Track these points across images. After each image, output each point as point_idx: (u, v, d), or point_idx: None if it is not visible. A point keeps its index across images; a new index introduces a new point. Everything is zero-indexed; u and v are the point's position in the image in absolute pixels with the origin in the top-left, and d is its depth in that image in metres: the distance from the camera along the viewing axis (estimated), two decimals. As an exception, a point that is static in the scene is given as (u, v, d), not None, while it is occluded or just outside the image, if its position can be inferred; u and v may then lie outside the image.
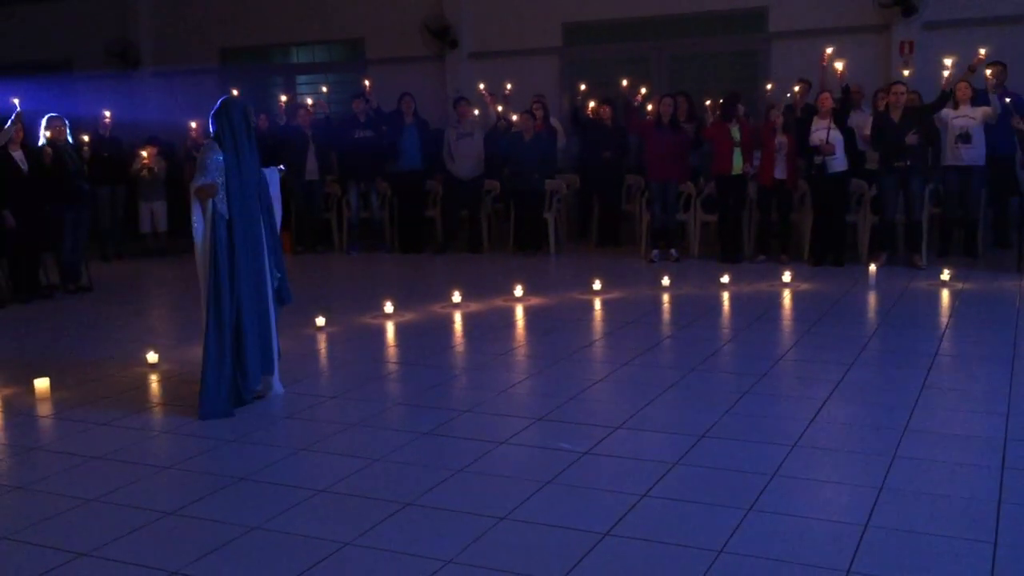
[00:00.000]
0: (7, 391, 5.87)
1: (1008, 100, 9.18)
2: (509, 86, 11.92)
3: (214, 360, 5.27)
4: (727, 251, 9.98)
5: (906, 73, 10.03)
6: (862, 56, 11.22)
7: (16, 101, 9.99)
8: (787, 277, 8.64)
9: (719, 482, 4.10)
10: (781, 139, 9.63)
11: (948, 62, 9.17)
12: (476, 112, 11.35)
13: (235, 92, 12.53)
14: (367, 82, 11.97)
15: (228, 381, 5.33)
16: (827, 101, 9.42)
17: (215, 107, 5.41)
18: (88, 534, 3.78)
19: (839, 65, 9.71)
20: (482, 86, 11.52)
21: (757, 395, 5.36)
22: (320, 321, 7.36)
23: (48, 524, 3.91)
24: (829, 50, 9.87)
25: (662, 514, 3.80)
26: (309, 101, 12.30)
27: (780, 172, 9.69)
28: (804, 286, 8.58)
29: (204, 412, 5.25)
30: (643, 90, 10.96)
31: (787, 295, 8.28)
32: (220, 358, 5.28)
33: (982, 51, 9.12)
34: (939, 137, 9.56)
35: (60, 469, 4.60)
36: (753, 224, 10.24)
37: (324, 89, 12.99)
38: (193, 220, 5.31)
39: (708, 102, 10.71)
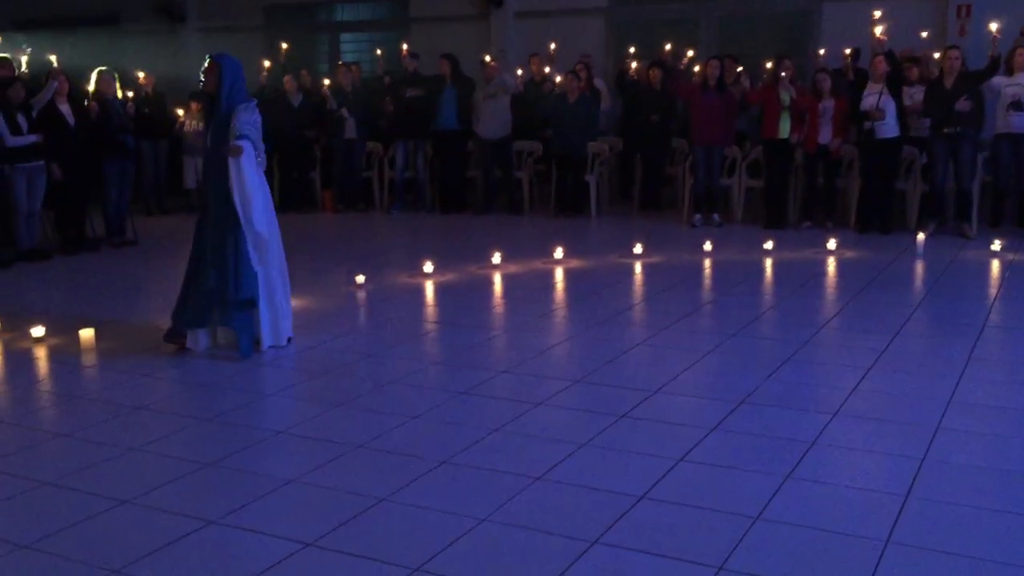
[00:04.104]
0: (53, 341, 5.98)
1: None
2: (553, 46, 11.77)
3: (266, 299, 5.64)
4: (771, 217, 9.84)
5: (961, 36, 9.75)
6: (917, 19, 10.90)
7: (53, 58, 10.08)
8: (832, 244, 8.50)
9: (757, 448, 4.06)
10: (827, 104, 9.43)
11: (994, 27, 8.89)
12: (519, 71, 11.25)
13: (284, 46, 12.60)
14: (405, 46, 11.92)
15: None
16: (880, 66, 9.20)
17: (236, 65, 5.58)
18: (130, 482, 3.84)
19: (878, 30, 9.47)
20: (488, 58, 11.36)
21: (798, 362, 5.29)
22: (360, 279, 7.39)
23: (91, 471, 3.98)
24: (877, 14, 9.61)
25: (699, 479, 3.78)
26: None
27: (824, 137, 9.50)
28: (850, 253, 8.43)
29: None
30: (690, 53, 10.76)
31: (832, 262, 8.15)
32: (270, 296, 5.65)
33: None
34: (984, 105, 9.29)
35: (103, 418, 4.67)
36: (799, 190, 10.07)
37: (379, 52, 12.90)
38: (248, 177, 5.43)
39: (769, 64, 10.45)
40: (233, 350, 5.61)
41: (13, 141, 8.50)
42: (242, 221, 5.48)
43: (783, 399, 4.67)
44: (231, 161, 5.41)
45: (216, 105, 5.59)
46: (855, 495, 3.61)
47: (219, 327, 5.70)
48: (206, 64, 5.62)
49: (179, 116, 11.78)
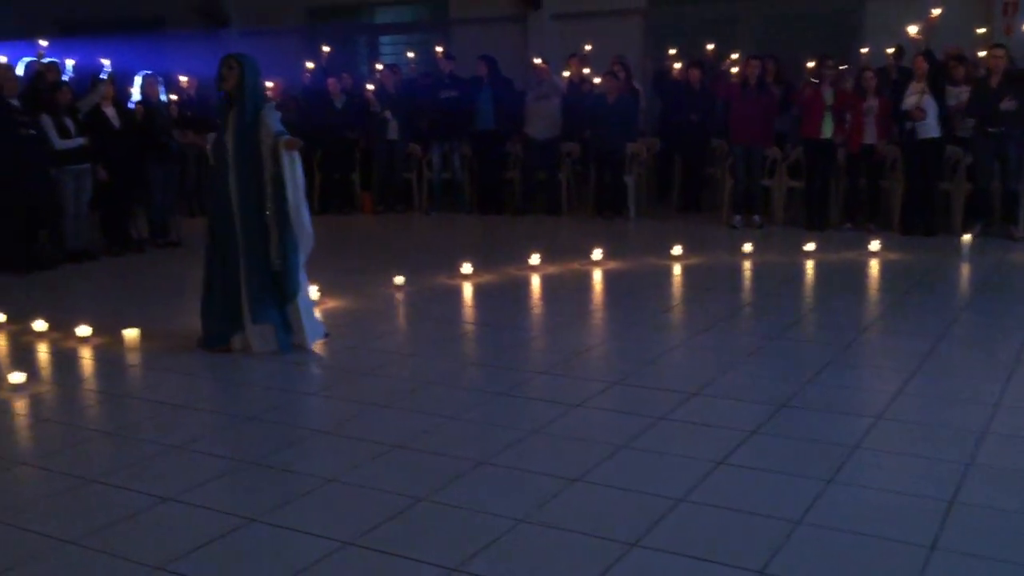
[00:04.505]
0: (99, 340, 6.08)
1: None
2: (588, 47, 11.75)
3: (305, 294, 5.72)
4: (813, 218, 9.73)
5: (1007, 35, 9.58)
6: (961, 17, 10.72)
7: (106, 62, 10.24)
8: (875, 246, 8.37)
9: (798, 452, 4.02)
10: (871, 103, 9.31)
11: None
12: (565, 73, 11.28)
13: (325, 49, 12.71)
14: (439, 48, 11.97)
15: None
16: (922, 65, 9.07)
17: (256, 64, 5.60)
18: (172, 479, 3.90)
19: (912, 29, 9.34)
20: (539, 60, 11.36)
21: (840, 365, 5.23)
22: (399, 280, 7.42)
23: (135, 468, 4.04)
24: (936, 12, 9.45)
25: (738, 482, 3.75)
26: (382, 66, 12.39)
27: (870, 137, 9.38)
28: (893, 256, 8.31)
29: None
30: (734, 57, 10.69)
31: (875, 264, 8.04)
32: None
33: None
34: None
35: (147, 416, 4.75)
36: (841, 191, 9.94)
37: (411, 55, 12.99)
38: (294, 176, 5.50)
39: (812, 64, 10.32)
40: (270, 350, 5.63)
41: (62, 144, 8.66)
42: (291, 213, 5.52)
43: (824, 402, 4.62)
44: (286, 154, 5.45)
45: (238, 106, 5.53)
46: (899, 500, 3.56)
47: (257, 325, 5.63)
48: (225, 63, 5.54)
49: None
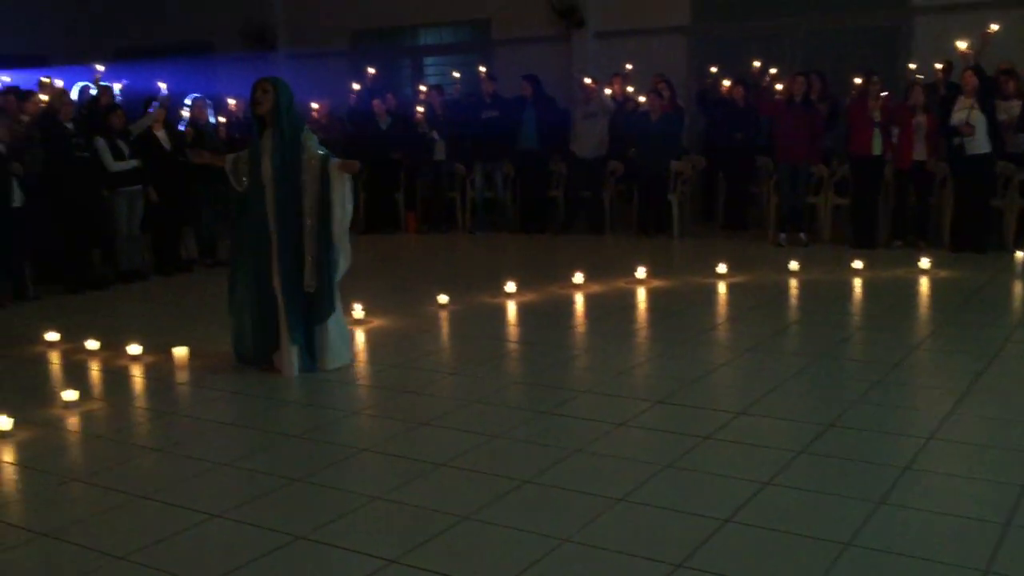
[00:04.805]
0: (149, 359, 6.18)
1: None
2: (629, 66, 11.76)
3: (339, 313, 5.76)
4: (860, 235, 9.60)
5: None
6: (1012, 31, 10.55)
7: (163, 86, 10.45)
8: (925, 263, 8.23)
9: (847, 473, 3.95)
10: (920, 119, 9.19)
11: None
12: (607, 91, 11.30)
13: (370, 71, 12.86)
14: (482, 68, 12.05)
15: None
16: (971, 80, 8.93)
17: (289, 86, 5.58)
18: (220, 497, 3.94)
19: (962, 44, 9.20)
20: (589, 79, 11.37)
21: (890, 385, 5.14)
22: (443, 299, 7.46)
23: (183, 485, 4.09)
24: (994, 27, 9.33)
25: (786, 503, 3.69)
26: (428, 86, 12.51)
27: (919, 153, 9.25)
28: (943, 273, 8.17)
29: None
30: (773, 70, 10.63)
31: (924, 282, 7.91)
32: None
33: None
34: None
35: (195, 433, 4.81)
36: (889, 208, 9.80)
37: (456, 75, 13.09)
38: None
39: (858, 80, 10.21)
40: (294, 372, 5.61)
41: (116, 166, 8.86)
42: (335, 233, 5.56)
43: (874, 422, 4.54)
44: (341, 177, 5.50)
45: (274, 129, 5.51)
46: (952, 523, 3.48)
47: (291, 345, 5.62)
48: (260, 87, 5.51)
49: None
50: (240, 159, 5.76)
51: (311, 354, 5.67)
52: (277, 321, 5.63)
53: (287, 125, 5.52)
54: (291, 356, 5.62)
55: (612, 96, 11.50)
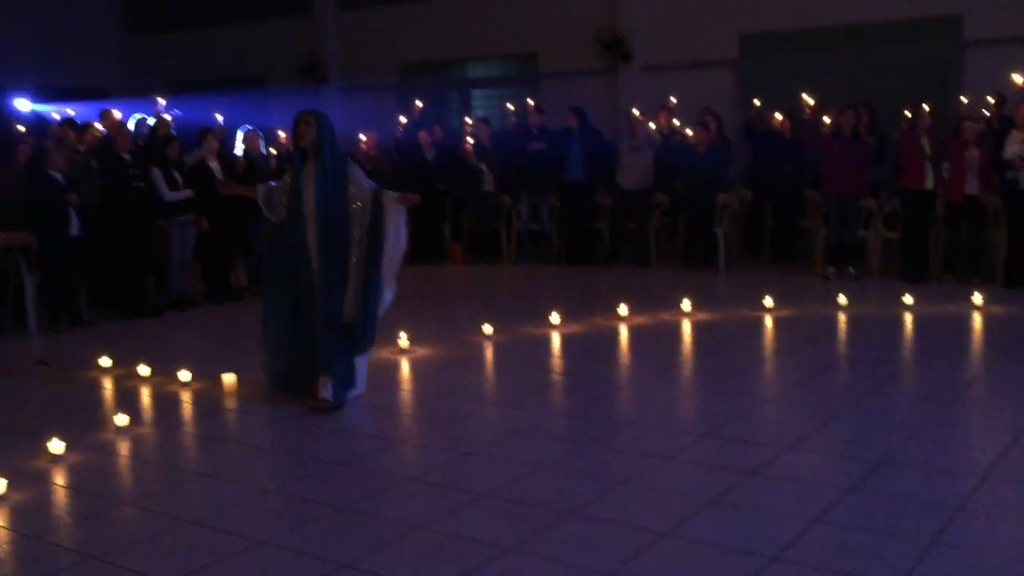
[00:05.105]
0: (198, 385, 6.27)
1: None
2: (674, 100, 11.77)
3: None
4: (911, 270, 9.46)
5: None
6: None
7: (219, 117, 10.66)
8: (978, 299, 8.08)
9: (899, 512, 3.88)
10: (972, 153, 9.07)
11: None
12: (651, 125, 11.33)
13: (418, 103, 13.03)
14: (531, 101, 12.14)
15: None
16: (1024, 113, 8.82)
17: (330, 119, 5.59)
18: (265, 523, 3.97)
19: (1018, 78, 9.07)
20: (636, 111, 11.40)
21: (942, 422, 5.04)
22: (487, 329, 7.48)
23: (230, 511, 4.13)
24: None
25: (835, 542, 3.63)
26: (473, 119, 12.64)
27: (972, 188, 9.12)
28: (997, 309, 8.01)
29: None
30: (810, 102, 10.60)
31: (978, 318, 7.76)
32: None
33: None
34: None
35: (242, 460, 4.86)
36: (940, 242, 9.66)
37: (511, 107, 13.19)
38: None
39: (908, 113, 10.11)
40: (330, 403, 5.57)
41: (171, 196, 9.06)
42: (384, 266, 5.58)
43: (926, 461, 4.45)
44: (397, 209, 5.55)
45: (316, 161, 5.52)
46: (1008, 565, 3.39)
47: (327, 376, 5.56)
48: (302, 119, 5.54)
49: None
50: (274, 191, 5.76)
51: (351, 383, 5.70)
52: (316, 350, 5.63)
53: (329, 157, 5.53)
54: (332, 385, 5.60)
55: (658, 129, 11.52)
